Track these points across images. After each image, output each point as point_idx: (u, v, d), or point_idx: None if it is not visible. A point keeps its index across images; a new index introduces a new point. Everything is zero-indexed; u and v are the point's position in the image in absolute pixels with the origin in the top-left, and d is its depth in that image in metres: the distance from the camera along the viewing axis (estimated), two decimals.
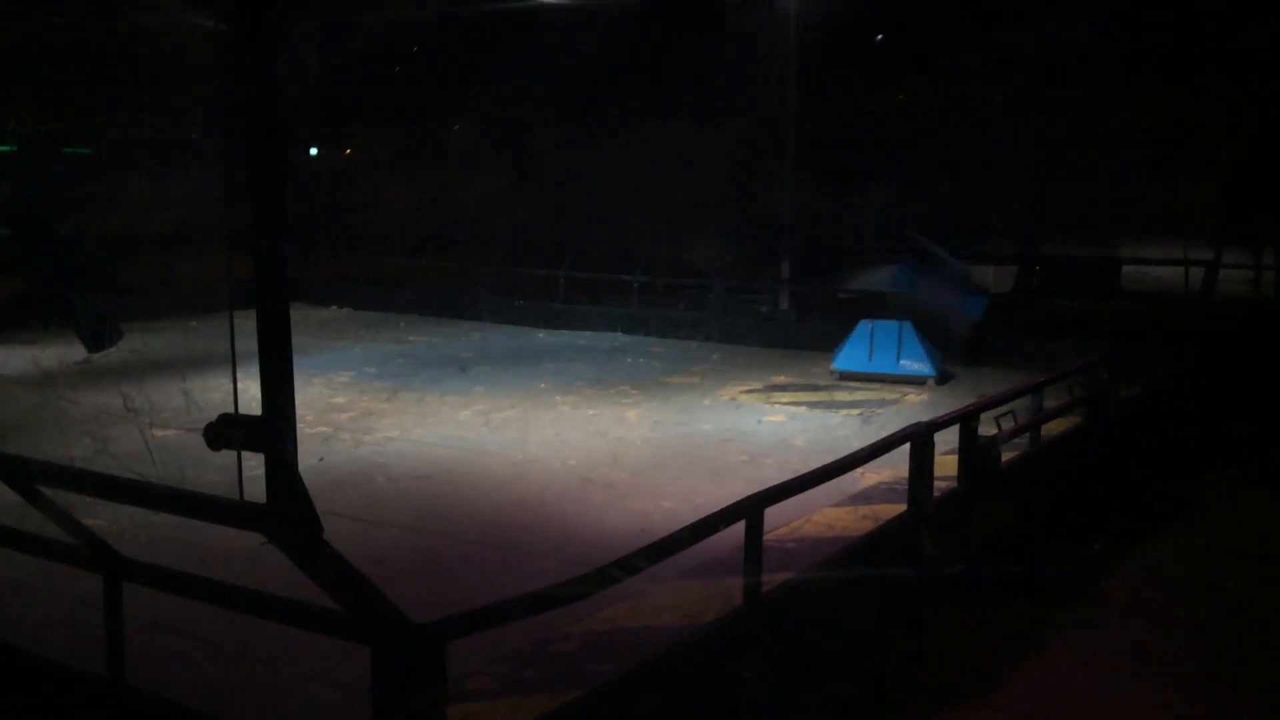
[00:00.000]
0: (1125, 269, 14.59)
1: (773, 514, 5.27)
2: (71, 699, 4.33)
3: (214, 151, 19.81)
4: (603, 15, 17.89)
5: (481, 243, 20.11)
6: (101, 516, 5.66)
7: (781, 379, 12.83)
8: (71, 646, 4.48)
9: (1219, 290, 13.12)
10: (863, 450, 6.14)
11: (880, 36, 19.63)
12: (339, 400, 11.56)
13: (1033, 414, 7.99)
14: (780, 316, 15.93)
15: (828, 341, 14.62)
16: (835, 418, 10.79)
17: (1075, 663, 6.10)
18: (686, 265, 18.29)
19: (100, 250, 15.53)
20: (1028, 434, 7.96)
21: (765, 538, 5.20)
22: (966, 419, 6.92)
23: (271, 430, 3.12)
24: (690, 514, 5.25)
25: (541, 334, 16.41)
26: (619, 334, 16.18)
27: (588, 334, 16.27)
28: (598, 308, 16.93)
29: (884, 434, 6.57)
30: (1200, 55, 15.71)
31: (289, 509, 3.23)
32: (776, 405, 11.38)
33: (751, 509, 4.99)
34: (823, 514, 7.01)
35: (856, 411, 11.01)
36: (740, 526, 4.92)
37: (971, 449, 6.85)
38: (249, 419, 3.17)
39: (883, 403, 11.41)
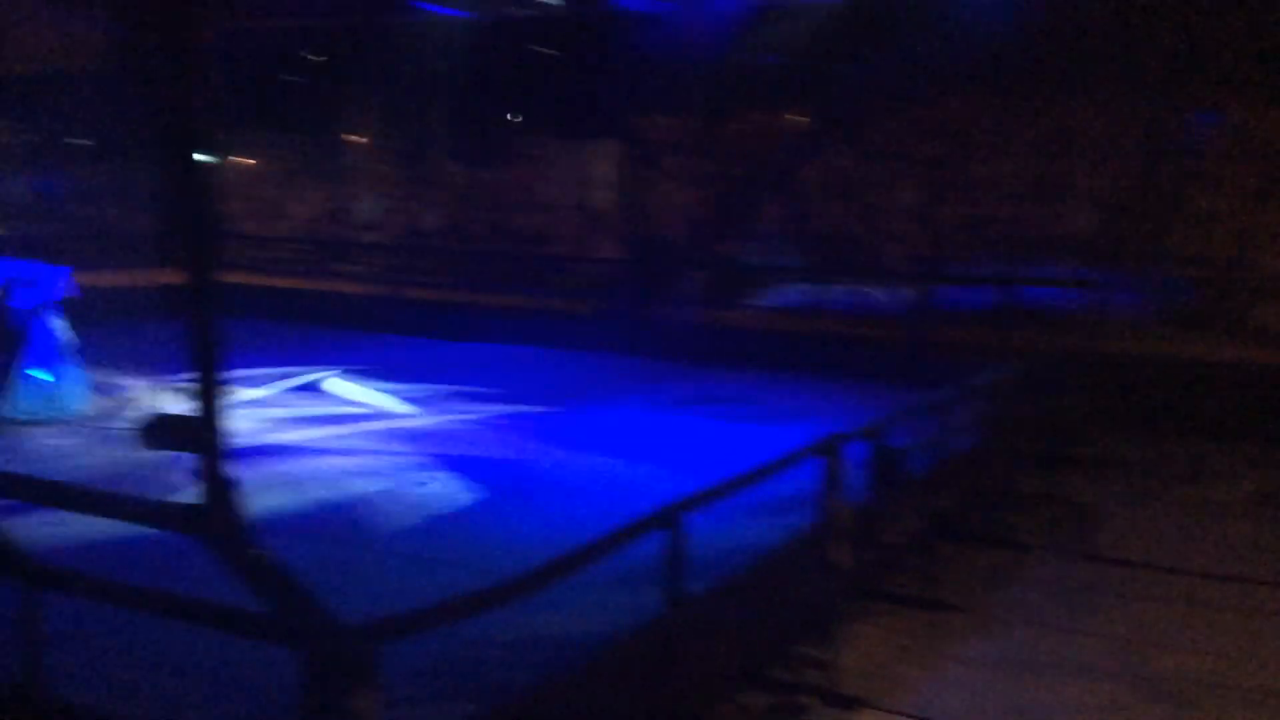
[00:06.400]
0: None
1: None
2: None
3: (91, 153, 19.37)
4: (503, 32, 18.02)
5: (386, 249, 19.94)
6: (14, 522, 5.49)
7: None
8: None
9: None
10: (775, 461, 6.27)
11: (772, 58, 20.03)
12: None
13: (939, 427, 8.25)
14: None
15: None
16: None
17: (967, 665, 6.35)
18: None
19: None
20: (931, 446, 8.23)
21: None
22: (876, 431, 7.12)
23: (207, 431, 3.10)
24: None
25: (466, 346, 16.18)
26: None
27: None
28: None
29: None
30: None
31: (222, 511, 3.21)
32: None
33: (672, 516, 5.07)
34: None
35: None
36: None
37: (881, 460, 7.04)
38: (184, 419, 3.14)
39: None
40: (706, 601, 5.36)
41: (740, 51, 16.82)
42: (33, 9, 17.34)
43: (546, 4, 17.10)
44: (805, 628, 6.31)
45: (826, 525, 6.41)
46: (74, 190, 19.11)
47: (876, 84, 17.71)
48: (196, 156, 3.06)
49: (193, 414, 3.05)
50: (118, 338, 13.45)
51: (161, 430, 3.13)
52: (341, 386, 12.54)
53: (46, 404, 10.42)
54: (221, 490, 3.10)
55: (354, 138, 22.55)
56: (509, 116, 20.64)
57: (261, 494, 7.83)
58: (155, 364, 11.95)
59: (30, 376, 10.34)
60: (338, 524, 7.74)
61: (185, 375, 3.17)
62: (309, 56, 21.19)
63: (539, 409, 11.68)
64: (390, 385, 12.63)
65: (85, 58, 17.42)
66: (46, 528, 6.05)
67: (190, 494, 3.22)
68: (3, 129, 18.80)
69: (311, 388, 12.57)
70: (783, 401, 12.26)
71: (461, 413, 11.46)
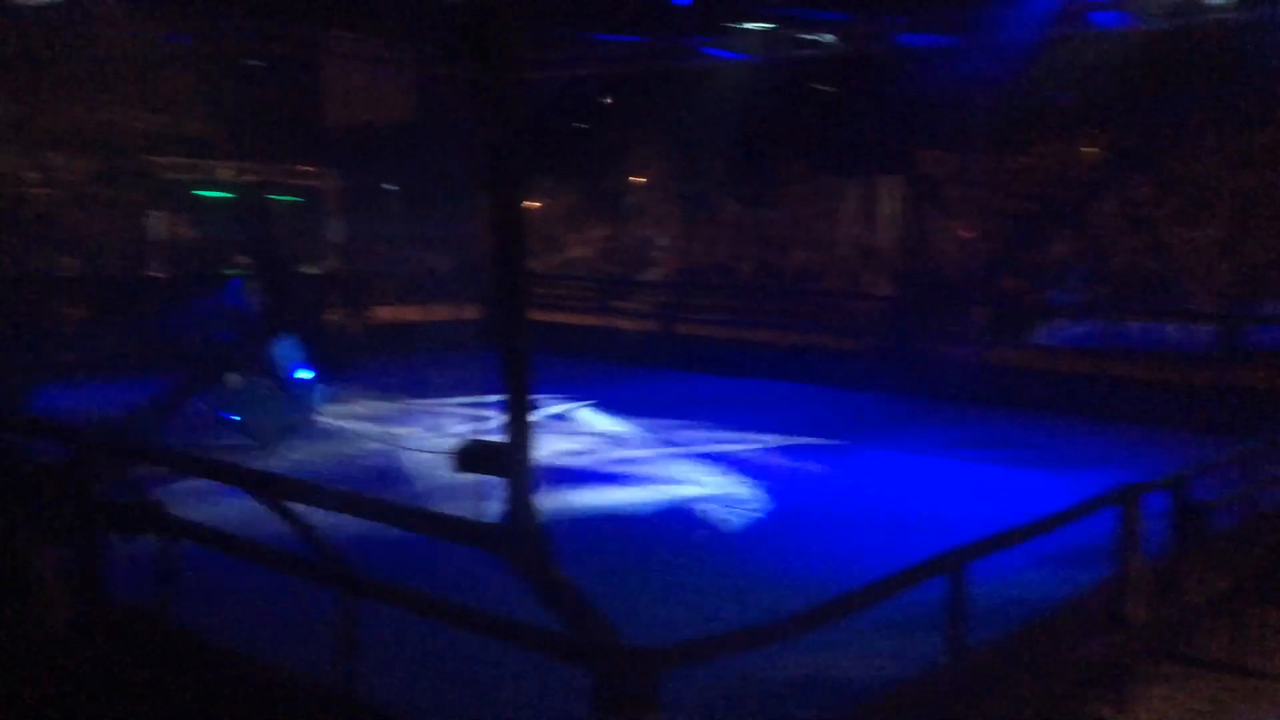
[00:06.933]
0: None
1: None
2: (306, 709, 4.60)
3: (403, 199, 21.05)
4: (783, 72, 18.22)
5: (662, 286, 20.49)
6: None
7: None
8: (302, 657, 4.76)
9: None
10: (1066, 510, 6.00)
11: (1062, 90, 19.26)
12: None
13: (1249, 480, 7.65)
14: None
15: None
16: None
17: None
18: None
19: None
20: (1240, 499, 7.63)
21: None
22: (1179, 481, 6.68)
23: (516, 458, 3.32)
24: None
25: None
26: None
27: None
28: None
29: None
30: None
31: (525, 532, 3.41)
32: None
33: (954, 563, 4.94)
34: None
35: None
36: None
37: (1182, 513, 6.61)
38: (493, 446, 3.37)
39: None
40: (991, 652, 5.18)
41: (1029, 84, 16.29)
42: (354, 68, 19.05)
43: (826, 44, 17.14)
44: (1096, 687, 5.97)
45: (1121, 580, 6.08)
46: (384, 233, 20.78)
47: (1177, 114, 16.71)
48: (515, 199, 3.30)
49: (503, 441, 3.28)
50: (422, 367, 14.50)
51: (473, 455, 3.37)
52: (608, 420, 12.98)
53: (312, 402, 11.29)
54: (527, 514, 3.30)
55: (636, 179, 23.32)
56: (786, 155, 20.79)
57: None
58: (456, 391, 12.78)
59: (298, 379, 11.16)
60: (611, 549, 7.98)
61: (491, 402, 3.41)
62: (596, 99, 22.07)
63: (810, 447, 11.64)
64: (662, 420, 12.94)
65: (398, 112, 18.94)
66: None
67: (494, 514, 3.44)
68: (326, 177, 20.70)
69: (582, 417, 13.08)
70: (1068, 447, 11.68)
71: (733, 448, 11.59)
